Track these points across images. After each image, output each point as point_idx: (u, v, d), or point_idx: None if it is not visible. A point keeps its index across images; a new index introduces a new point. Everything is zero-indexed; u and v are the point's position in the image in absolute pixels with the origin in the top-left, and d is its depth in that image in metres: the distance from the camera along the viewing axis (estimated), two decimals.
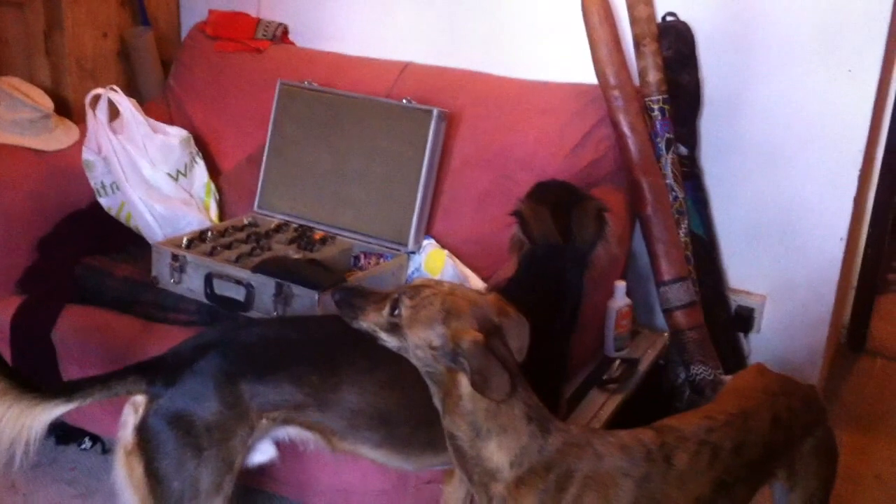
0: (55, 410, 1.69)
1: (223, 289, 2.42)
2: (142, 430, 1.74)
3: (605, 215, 2.03)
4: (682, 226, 2.71)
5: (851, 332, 3.42)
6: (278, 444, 1.93)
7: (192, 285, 2.47)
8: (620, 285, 2.59)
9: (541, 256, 1.97)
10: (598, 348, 2.61)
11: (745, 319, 2.88)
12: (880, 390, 3.21)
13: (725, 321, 2.84)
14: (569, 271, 1.98)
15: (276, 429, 1.86)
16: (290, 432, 1.88)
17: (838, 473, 2.65)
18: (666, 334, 2.72)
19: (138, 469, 1.74)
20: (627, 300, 2.60)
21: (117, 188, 2.73)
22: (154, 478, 1.73)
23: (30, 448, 1.67)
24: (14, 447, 1.66)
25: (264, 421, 1.80)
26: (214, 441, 1.75)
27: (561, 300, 1.96)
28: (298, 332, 1.92)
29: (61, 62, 3.11)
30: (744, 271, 2.90)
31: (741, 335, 2.90)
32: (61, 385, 1.75)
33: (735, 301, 2.90)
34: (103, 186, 2.76)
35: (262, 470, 2.15)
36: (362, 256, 2.66)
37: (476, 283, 2.57)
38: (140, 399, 1.76)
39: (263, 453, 1.91)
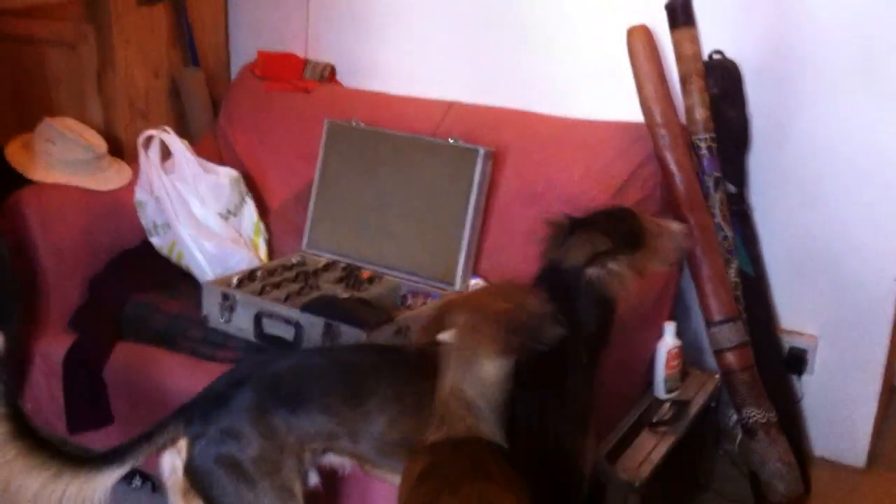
0: (111, 478, 1.73)
1: (272, 328, 2.44)
2: (190, 471, 1.77)
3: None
4: (732, 266, 2.67)
5: None
6: (319, 469, 1.94)
7: (241, 324, 2.49)
8: (670, 326, 2.56)
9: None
10: (648, 389, 2.58)
11: (797, 360, 2.84)
12: None
13: (777, 362, 2.80)
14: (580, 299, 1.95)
15: (319, 457, 1.88)
16: (329, 458, 1.90)
17: None
18: (717, 376, 2.68)
19: None
20: (677, 341, 2.57)
21: (168, 227, 2.77)
22: None
23: None
24: None
25: (307, 453, 1.82)
26: (265, 472, 1.77)
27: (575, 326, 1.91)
28: (327, 361, 1.94)
29: (113, 102, 3.17)
30: (795, 311, 2.87)
31: (794, 376, 2.86)
32: (110, 452, 1.77)
33: (787, 342, 2.85)
34: (155, 226, 2.80)
35: None
36: (409, 296, 2.67)
37: None
38: (182, 442, 1.78)
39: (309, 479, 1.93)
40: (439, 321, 1.78)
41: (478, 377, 1.65)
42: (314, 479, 1.91)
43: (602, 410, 2.15)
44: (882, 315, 2.75)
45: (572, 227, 2.03)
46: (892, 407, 3.16)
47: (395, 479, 1.87)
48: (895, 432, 3.07)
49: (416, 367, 1.94)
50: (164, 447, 1.80)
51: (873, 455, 2.90)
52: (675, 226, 2.18)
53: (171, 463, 1.80)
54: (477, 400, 1.65)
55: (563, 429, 1.88)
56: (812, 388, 2.86)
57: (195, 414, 1.80)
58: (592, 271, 1.93)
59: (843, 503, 2.72)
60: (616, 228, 2.04)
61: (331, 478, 1.99)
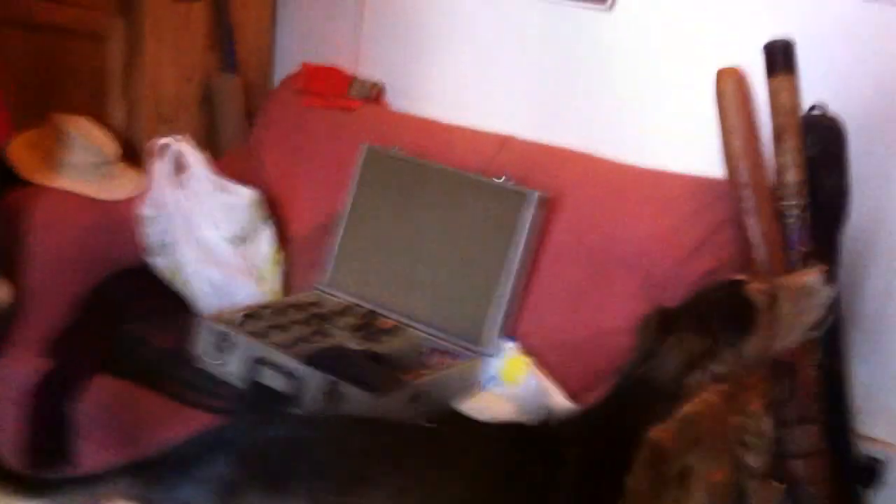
0: None
1: (268, 378, 2.12)
2: None
3: None
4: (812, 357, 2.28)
5: None
6: None
7: (234, 368, 2.18)
8: None
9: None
10: None
11: (868, 471, 2.43)
12: None
13: (847, 471, 2.39)
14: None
15: None
16: None
17: None
18: (782, 486, 2.28)
19: None
20: None
21: (173, 248, 2.47)
22: None
23: None
24: None
25: None
26: None
27: None
28: (325, 435, 1.58)
29: (138, 104, 2.88)
30: (871, 413, 2.45)
31: (862, 488, 2.45)
32: (35, 478, 1.47)
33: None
34: (158, 245, 2.50)
35: None
36: (430, 353, 2.32)
37: (560, 400, 2.20)
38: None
39: None
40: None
41: None
42: None
43: None
44: None
45: (663, 325, 1.70)
46: None
47: None
48: None
49: (432, 454, 1.60)
50: (106, 497, 1.49)
51: None
52: (811, 278, 1.84)
53: None
54: None
55: None
56: None
57: (155, 477, 1.48)
58: (692, 381, 1.59)
59: None
60: (715, 316, 1.69)
61: None
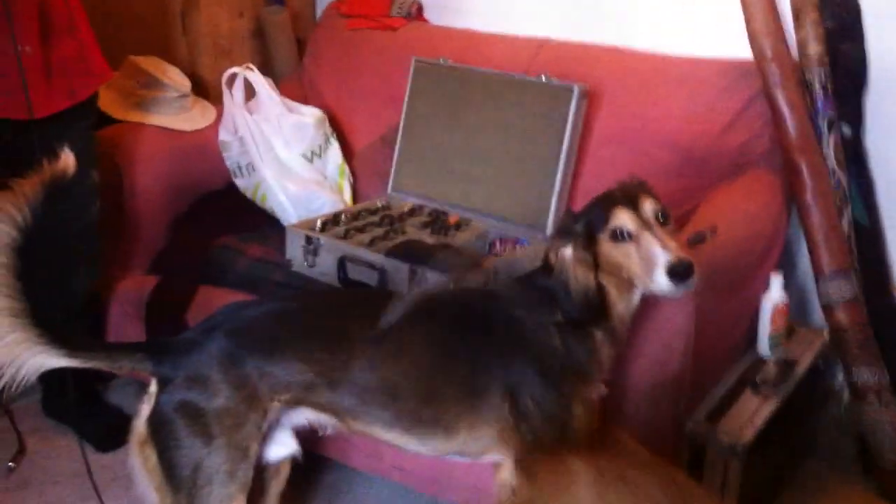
0: (51, 360, 1.63)
1: (356, 273, 2.36)
2: (152, 418, 1.70)
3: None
4: (845, 214, 2.48)
5: None
6: (298, 434, 1.86)
7: (325, 268, 2.43)
8: (777, 278, 2.37)
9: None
10: (751, 347, 2.41)
11: None
12: None
13: (891, 320, 2.59)
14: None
15: (290, 413, 1.79)
16: (306, 415, 1.81)
17: None
18: (825, 333, 2.49)
19: (152, 458, 1.70)
20: (784, 296, 2.38)
21: (253, 169, 2.71)
22: (166, 466, 1.69)
23: (14, 383, 1.60)
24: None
25: (276, 403, 1.73)
26: (225, 428, 1.69)
27: None
28: (306, 306, 1.86)
29: (198, 42, 3.11)
30: None
31: None
32: (70, 338, 1.65)
33: None
34: (239, 167, 2.74)
35: (397, 463, 2.08)
36: (497, 242, 2.55)
37: None
38: (152, 385, 1.72)
39: (284, 446, 1.85)
40: None
41: None
42: (291, 445, 1.84)
43: (701, 366, 2.03)
44: None
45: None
46: None
47: (380, 434, 1.80)
48: None
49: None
50: (121, 369, 1.77)
51: None
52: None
53: (141, 408, 1.73)
54: None
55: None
56: None
57: (166, 357, 1.71)
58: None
59: None
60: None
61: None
